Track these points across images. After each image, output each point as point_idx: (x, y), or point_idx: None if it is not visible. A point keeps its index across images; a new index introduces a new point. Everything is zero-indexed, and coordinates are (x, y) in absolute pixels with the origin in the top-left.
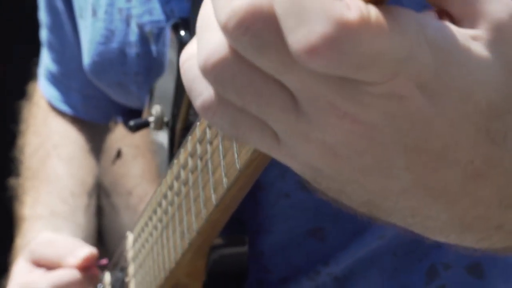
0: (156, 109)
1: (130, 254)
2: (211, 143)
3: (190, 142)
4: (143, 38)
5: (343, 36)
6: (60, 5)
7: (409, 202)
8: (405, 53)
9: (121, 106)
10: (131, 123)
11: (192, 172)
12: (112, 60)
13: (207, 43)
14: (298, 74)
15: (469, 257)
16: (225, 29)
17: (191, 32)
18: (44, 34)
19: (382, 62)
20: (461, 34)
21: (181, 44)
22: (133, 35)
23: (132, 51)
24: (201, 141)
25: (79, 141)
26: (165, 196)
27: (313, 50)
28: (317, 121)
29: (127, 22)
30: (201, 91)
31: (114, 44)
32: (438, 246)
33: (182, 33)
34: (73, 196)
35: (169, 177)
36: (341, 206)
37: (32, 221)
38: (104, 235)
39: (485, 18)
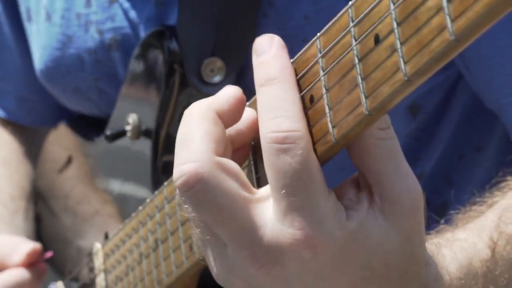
0: (132, 117)
1: (98, 264)
2: None
3: None
4: (104, 45)
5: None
6: None
7: None
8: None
9: (66, 110)
10: (108, 133)
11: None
12: (68, 66)
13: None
14: (225, 229)
15: None
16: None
17: (179, 40)
18: None
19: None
20: (371, 214)
21: (170, 52)
22: (93, 41)
23: (92, 57)
24: None
25: (12, 144)
26: (159, 210)
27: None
28: (238, 266)
29: (86, 28)
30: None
31: (72, 50)
32: None
33: (170, 41)
34: (12, 200)
35: (157, 199)
36: None
37: None
38: (43, 240)
39: (392, 194)
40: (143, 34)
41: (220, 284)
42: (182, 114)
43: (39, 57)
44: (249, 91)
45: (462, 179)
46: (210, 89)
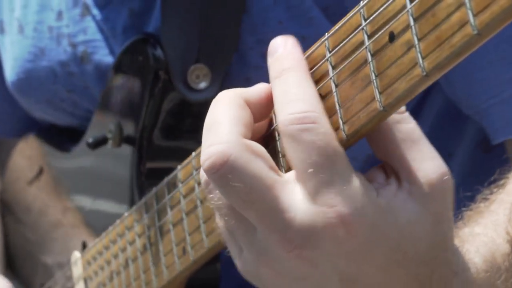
0: (114, 125)
1: (77, 273)
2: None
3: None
4: (77, 58)
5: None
6: None
7: None
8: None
9: (34, 122)
10: (89, 140)
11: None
12: (41, 78)
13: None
14: (254, 212)
15: None
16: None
17: (164, 47)
18: None
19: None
20: (400, 196)
21: (155, 58)
22: (65, 54)
23: (65, 70)
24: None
25: None
26: (149, 214)
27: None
28: (269, 250)
29: (58, 41)
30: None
31: (44, 62)
32: None
33: (154, 48)
34: None
35: (147, 204)
36: None
37: None
38: (10, 253)
39: (420, 177)
40: (117, 45)
41: (246, 278)
42: (166, 120)
43: (11, 68)
44: None
45: None
46: (196, 95)
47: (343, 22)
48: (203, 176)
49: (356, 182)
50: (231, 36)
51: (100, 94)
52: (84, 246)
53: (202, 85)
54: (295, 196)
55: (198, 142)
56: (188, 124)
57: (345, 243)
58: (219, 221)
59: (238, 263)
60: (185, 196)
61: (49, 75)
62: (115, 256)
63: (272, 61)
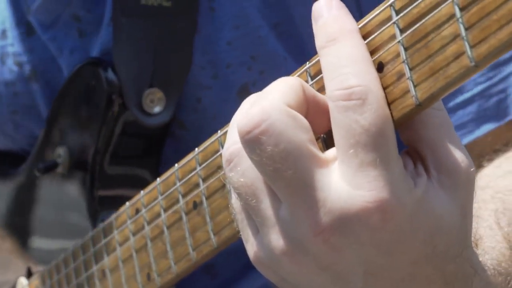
0: (62, 149)
1: None
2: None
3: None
4: (24, 77)
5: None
6: None
7: None
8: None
9: None
10: (40, 166)
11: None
12: None
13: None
14: (285, 182)
15: None
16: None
17: (117, 71)
18: None
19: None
20: (432, 186)
21: (108, 82)
22: (11, 74)
23: (10, 89)
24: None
25: None
26: (108, 239)
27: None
28: (293, 231)
29: (2, 60)
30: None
31: None
32: None
33: (106, 72)
34: None
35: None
36: None
37: None
38: None
39: (449, 166)
40: (65, 65)
41: (258, 266)
42: (119, 145)
43: None
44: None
45: None
46: (150, 120)
47: None
48: (225, 152)
49: (396, 169)
50: (184, 59)
51: (46, 118)
52: (29, 272)
53: (157, 109)
54: (331, 176)
55: (152, 167)
56: (142, 149)
57: (378, 231)
58: (234, 203)
59: (251, 248)
60: (149, 222)
61: None
62: (69, 281)
63: (317, 28)
